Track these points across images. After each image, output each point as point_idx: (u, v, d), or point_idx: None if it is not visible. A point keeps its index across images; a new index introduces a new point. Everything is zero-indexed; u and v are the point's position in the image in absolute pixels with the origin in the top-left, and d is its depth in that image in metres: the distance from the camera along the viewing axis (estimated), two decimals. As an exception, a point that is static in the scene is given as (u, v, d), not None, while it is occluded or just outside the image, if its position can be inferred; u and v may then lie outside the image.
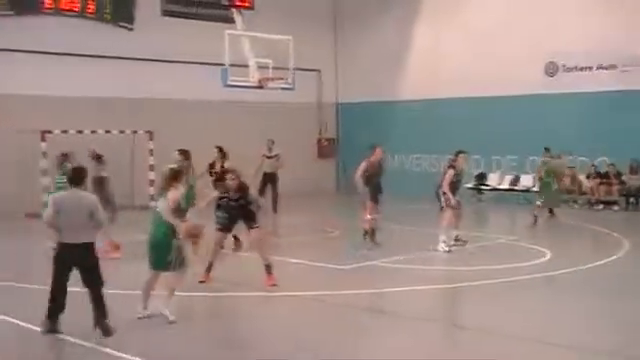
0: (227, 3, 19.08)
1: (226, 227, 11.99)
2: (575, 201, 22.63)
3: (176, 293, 9.67)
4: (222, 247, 12.30)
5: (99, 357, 8.24)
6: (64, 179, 12.26)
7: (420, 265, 13.48)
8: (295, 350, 8.45)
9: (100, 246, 10.10)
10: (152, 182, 20.85)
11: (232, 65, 17.00)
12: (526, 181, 23.63)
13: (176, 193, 9.56)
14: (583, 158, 22.50)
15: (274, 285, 11.36)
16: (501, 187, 24.44)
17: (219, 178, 14.74)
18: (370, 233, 15.27)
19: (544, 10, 23.44)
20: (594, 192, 22.33)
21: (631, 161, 21.84)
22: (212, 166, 15.33)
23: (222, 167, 15.04)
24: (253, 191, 12.62)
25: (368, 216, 15.16)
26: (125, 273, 11.63)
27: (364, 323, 9.81)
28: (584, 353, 8.39)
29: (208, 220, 11.53)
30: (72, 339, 8.74)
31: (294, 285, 11.59)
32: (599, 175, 22.44)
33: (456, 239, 15.33)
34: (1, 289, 11.73)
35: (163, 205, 9.54)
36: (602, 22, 22.07)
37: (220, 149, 15.53)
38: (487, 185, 24.74)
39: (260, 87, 17.87)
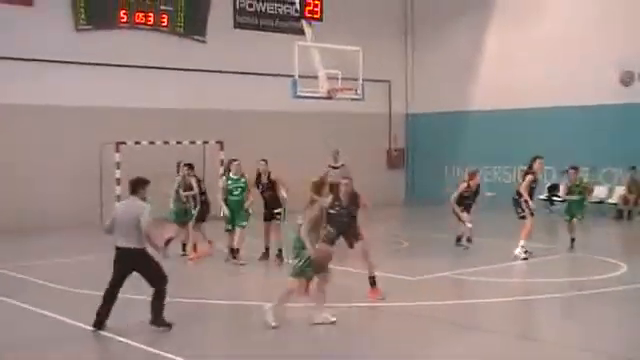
0: (297, 15, 19.22)
1: (331, 241, 11.17)
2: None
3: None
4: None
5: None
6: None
7: (493, 277, 13.30)
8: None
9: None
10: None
11: (301, 76, 17.06)
12: (598, 192, 23.07)
13: (313, 212, 10.02)
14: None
15: (382, 298, 11.09)
16: (573, 198, 23.85)
17: (267, 189, 15.05)
18: (466, 239, 16.21)
19: (619, 16, 22.94)
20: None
21: None
22: (259, 178, 15.34)
23: (269, 179, 15.15)
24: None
25: (468, 224, 16.06)
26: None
27: (436, 334, 9.74)
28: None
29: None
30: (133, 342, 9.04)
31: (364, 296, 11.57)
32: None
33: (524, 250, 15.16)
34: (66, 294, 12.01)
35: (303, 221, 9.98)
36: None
37: (266, 161, 15.53)
38: (559, 196, 24.17)
39: (329, 98, 17.87)
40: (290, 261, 9.89)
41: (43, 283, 12.92)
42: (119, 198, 21.40)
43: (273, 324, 9.53)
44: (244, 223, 14.81)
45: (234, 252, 14.75)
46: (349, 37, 20.66)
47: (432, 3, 28.36)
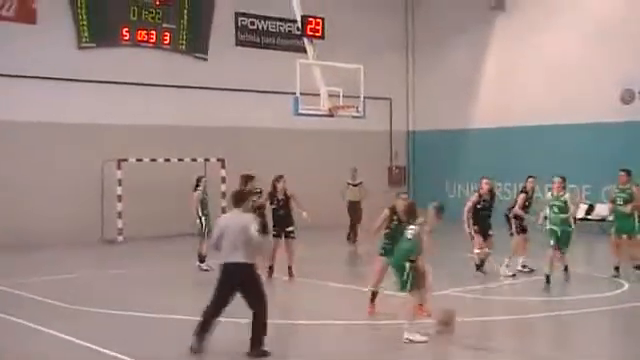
0: (298, 33, 19.33)
1: (385, 254, 11.40)
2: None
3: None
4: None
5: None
6: None
7: (494, 295, 13.29)
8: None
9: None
10: (224, 209, 21.13)
11: (303, 94, 17.15)
12: (601, 210, 23.05)
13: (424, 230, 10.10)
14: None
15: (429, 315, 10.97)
16: (575, 216, 23.87)
17: (282, 206, 14.97)
18: (479, 264, 15.04)
19: (619, 35, 23.00)
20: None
21: None
22: (274, 194, 15.29)
23: (285, 194, 15.11)
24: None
25: (476, 250, 14.91)
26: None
27: (437, 353, 9.72)
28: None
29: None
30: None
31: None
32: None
33: (523, 266, 15.31)
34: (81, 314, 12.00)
35: (414, 233, 10.05)
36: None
37: (282, 177, 15.51)
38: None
39: (331, 115, 17.96)
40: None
41: (42, 300, 12.89)
42: (120, 215, 21.52)
43: (424, 338, 9.76)
44: None
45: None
46: (350, 55, 20.77)
47: (432, 21, 28.47)
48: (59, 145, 21.60)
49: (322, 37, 18.08)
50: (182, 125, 23.51)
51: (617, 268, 14.71)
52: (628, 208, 14.75)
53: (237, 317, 9.50)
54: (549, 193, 14.57)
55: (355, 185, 21.54)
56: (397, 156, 29.49)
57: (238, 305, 9.23)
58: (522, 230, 15.48)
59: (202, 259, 15.98)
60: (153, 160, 22.01)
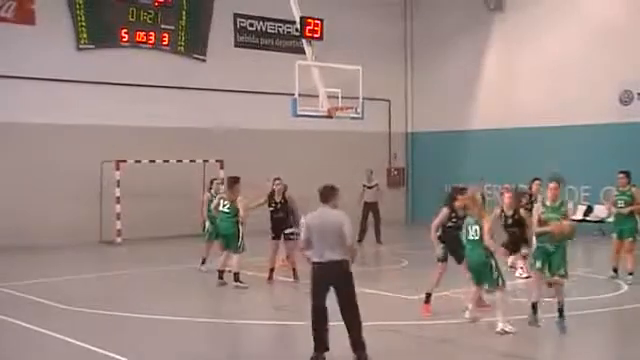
0: (297, 34, 19.32)
1: (445, 258, 11.69)
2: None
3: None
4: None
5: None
6: None
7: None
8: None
9: None
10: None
11: (302, 95, 17.15)
12: (599, 212, 23.06)
13: (488, 223, 10.26)
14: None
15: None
16: (574, 218, 23.86)
17: (280, 209, 14.90)
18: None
19: (620, 38, 23.02)
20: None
21: None
22: (272, 197, 15.24)
23: (283, 197, 15.08)
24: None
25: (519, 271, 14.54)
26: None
27: (437, 353, 9.71)
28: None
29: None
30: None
31: (369, 315, 11.54)
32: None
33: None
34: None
35: (475, 228, 10.21)
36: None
37: (280, 180, 15.49)
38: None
39: (329, 117, 17.96)
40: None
41: (41, 301, 12.88)
42: (119, 216, 21.50)
43: (514, 329, 10.07)
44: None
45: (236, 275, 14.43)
46: (349, 56, 20.75)
47: (431, 23, 28.48)
48: (57, 146, 21.56)
49: (321, 38, 18.10)
50: (181, 126, 23.49)
51: (615, 270, 14.64)
52: (626, 210, 14.59)
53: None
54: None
55: (371, 187, 21.72)
56: (396, 158, 29.50)
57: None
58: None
59: (203, 261, 15.94)
60: (152, 161, 21.99)
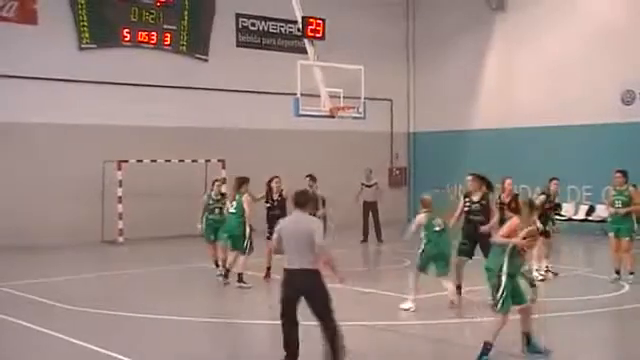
0: (299, 34, 19.32)
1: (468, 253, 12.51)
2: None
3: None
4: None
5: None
6: None
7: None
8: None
9: None
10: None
11: (304, 95, 17.15)
12: (601, 211, 23.04)
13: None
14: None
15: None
16: (576, 218, 23.90)
17: (277, 207, 14.91)
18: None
19: (621, 38, 23.00)
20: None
21: None
22: (269, 194, 15.25)
23: (280, 196, 15.10)
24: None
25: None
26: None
27: (441, 353, 9.71)
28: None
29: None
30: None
31: (367, 315, 11.56)
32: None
33: (546, 270, 14.79)
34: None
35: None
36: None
37: (279, 178, 15.50)
38: (562, 215, 24.17)
39: (331, 116, 17.96)
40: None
41: (42, 300, 12.89)
42: (121, 216, 21.52)
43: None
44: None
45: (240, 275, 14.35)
46: (351, 56, 20.75)
47: (433, 22, 28.47)
48: (59, 146, 21.59)
49: (323, 38, 18.09)
50: (183, 126, 23.50)
51: (618, 272, 14.50)
52: (622, 211, 14.38)
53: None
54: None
55: (370, 186, 21.77)
56: (398, 157, 29.50)
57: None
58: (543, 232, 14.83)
59: (217, 264, 15.39)
60: (153, 161, 22.00)
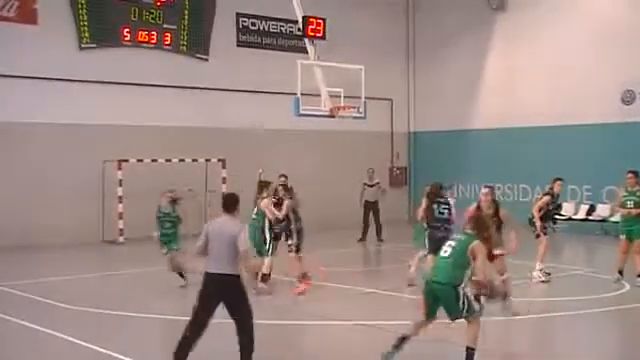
0: (300, 34, 19.31)
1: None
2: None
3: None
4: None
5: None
6: None
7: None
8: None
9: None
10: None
11: (304, 94, 17.14)
12: (602, 211, 23.05)
13: None
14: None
15: None
16: (576, 217, 23.89)
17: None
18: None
19: (621, 37, 22.99)
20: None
21: None
22: (275, 192, 15.17)
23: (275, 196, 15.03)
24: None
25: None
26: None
27: (429, 353, 9.69)
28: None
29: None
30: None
31: (367, 314, 11.54)
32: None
33: (540, 270, 14.70)
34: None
35: None
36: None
37: (285, 177, 15.44)
38: (562, 215, 24.17)
39: (332, 116, 17.94)
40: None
41: (43, 300, 12.88)
42: (121, 216, 21.50)
43: None
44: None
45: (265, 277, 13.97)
46: (352, 55, 20.74)
47: (434, 22, 28.46)
48: (59, 146, 21.58)
49: (323, 37, 18.06)
50: (183, 126, 23.48)
51: (621, 272, 14.35)
52: (635, 212, 14.16)
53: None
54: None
55: (372, 186, 21.82)
56: (398, 157, 29.48)
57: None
58: (544, 233, 14.73)
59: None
60: (154, 161, 21.99)
